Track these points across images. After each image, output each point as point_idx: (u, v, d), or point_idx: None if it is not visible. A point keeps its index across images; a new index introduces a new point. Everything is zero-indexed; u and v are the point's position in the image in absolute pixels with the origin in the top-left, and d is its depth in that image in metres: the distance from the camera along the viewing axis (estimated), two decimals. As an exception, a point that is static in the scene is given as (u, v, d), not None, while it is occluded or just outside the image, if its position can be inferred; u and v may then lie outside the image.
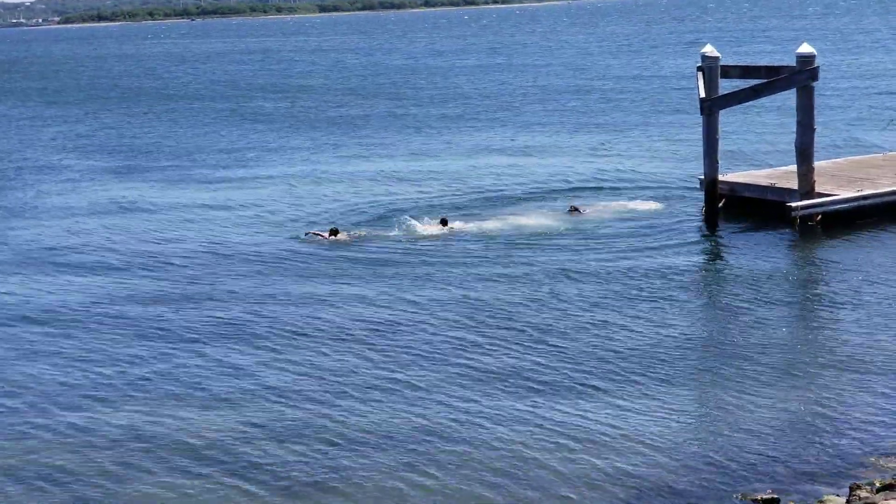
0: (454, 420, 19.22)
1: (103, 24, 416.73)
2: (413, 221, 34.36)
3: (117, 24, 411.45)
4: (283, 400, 20.43)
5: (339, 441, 18.52)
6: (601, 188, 40.06)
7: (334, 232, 33.22)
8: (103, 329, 25.31)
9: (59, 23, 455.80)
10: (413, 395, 20.45)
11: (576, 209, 35.67)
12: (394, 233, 33.59)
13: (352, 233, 33.75)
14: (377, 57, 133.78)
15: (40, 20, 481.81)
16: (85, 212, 39.96)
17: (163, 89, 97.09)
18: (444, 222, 34.13)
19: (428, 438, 18.49)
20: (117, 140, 61.75)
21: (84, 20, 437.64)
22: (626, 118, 61.00)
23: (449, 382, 21.00)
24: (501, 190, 40.59)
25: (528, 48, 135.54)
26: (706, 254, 30.75)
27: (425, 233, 33.50)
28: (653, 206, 36.40)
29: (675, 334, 23.35)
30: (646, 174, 42.67)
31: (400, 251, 31.53)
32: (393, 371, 21.72)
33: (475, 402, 20.02)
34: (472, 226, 34.26)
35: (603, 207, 36.32)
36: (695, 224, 33.74)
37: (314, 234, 33.55)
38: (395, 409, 19.75)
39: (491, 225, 34.36)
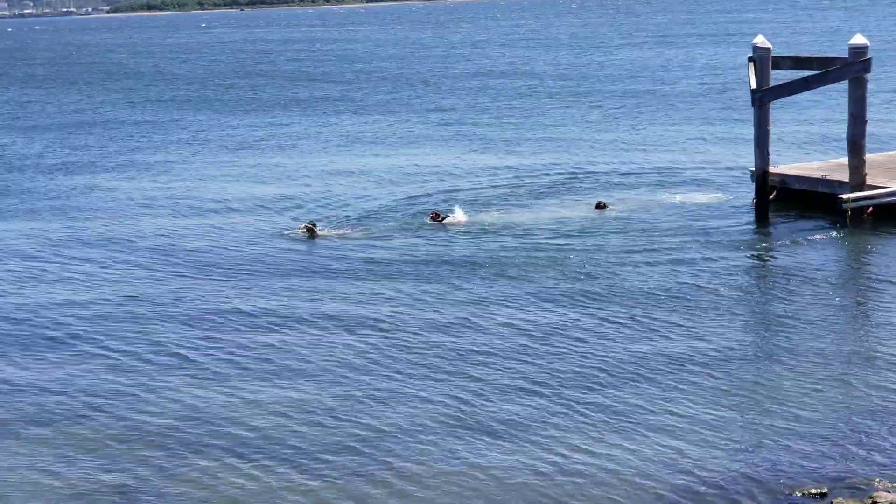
0: (503, 409, 19.25)
1: (152, 13, 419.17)
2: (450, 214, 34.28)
3: (166, 13, 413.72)
4: (323, 386, 20.55)
5: (388, 429, 18.59)
6: (643, 182, 39.78)
7: (311, 230, 32.82)
8: (143, 321, 25.54)
9: (108, 12, 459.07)
10: (457, 391, 20.49)
11: (603, 205, 35.37)
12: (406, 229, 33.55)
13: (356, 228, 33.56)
14: (409, 48, 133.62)
15: (90, 9, 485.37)
16: (107, 201, 40.31)
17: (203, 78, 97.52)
18: (435, 217, 33.92)
19: (473, 433, 18.54)
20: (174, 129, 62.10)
21: (133, 9, 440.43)
22: (671, 110, 60.68)
23: (489, 381, 21.01)
24: (528, 183, 40.46)
25: (563, 40, 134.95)
26: (755, 246, 30.51)
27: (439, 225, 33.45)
28: (700, 198, 36.25)
29: (725, 329, 23.21)
30: (691, 166, 42.46)
31: (421, 247, 31.49)
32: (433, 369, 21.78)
33: (520, 393, 20.02)
34: (491, 220, 34.03)
35: (641, 201, 36.08)
36: (744, 217, 33.52)
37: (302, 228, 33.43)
38: (447, 410, 19.81)
39: (518, 218, 34.24)
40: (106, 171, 47.65)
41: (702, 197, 36.39)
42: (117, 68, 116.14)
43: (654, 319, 23.92)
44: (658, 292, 25.95)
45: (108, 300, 27.13)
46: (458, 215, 34.16)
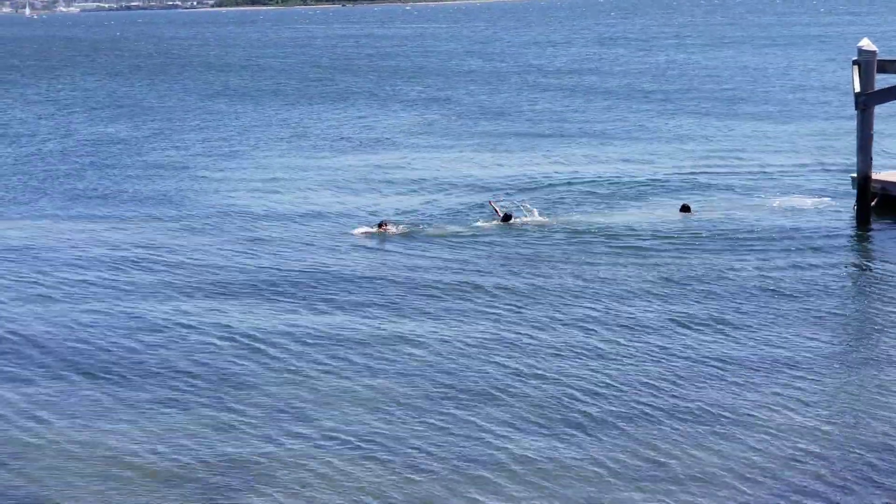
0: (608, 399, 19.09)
1: (256, 8, 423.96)
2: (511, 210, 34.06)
3: (270, 8, 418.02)
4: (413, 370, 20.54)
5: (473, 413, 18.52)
6: (738, 185, 39.17)
7: (382, 225, 32.79)
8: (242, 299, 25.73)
9: (212, 6, 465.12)
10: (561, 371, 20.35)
11: (687, 208, 34.72)
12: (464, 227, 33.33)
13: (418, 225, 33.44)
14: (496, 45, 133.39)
15: (195, 2, 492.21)
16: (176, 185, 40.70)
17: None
18: (506, 218, 33.49)
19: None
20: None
21: (238, 4, 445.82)
22: (769, 112, 59.83)
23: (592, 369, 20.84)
24: (615, 184, 40.08)
25: (657, 37, 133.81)
26: (855, 253, 29.94)
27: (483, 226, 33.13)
28: (798, 202, 35.60)
29: (822, 336, 22.77)
30: (789, 170, 41.77)
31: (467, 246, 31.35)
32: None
33: (612, 391, 19.83)
34: (567, 221, 33.64)
35: (738, 204, 35.51)
36: (844, 222, 32.86)
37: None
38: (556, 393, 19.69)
39: (597, 219, 33.88)
40: (196, 162, 48.18)
41: (800, 201, 35.73)
42: (201, 61, 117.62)
43: (749, 325, 23.50)
44: (753, 296, 25.52)
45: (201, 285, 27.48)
46: (533, 215, 33.87)
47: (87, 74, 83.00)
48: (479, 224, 33.48)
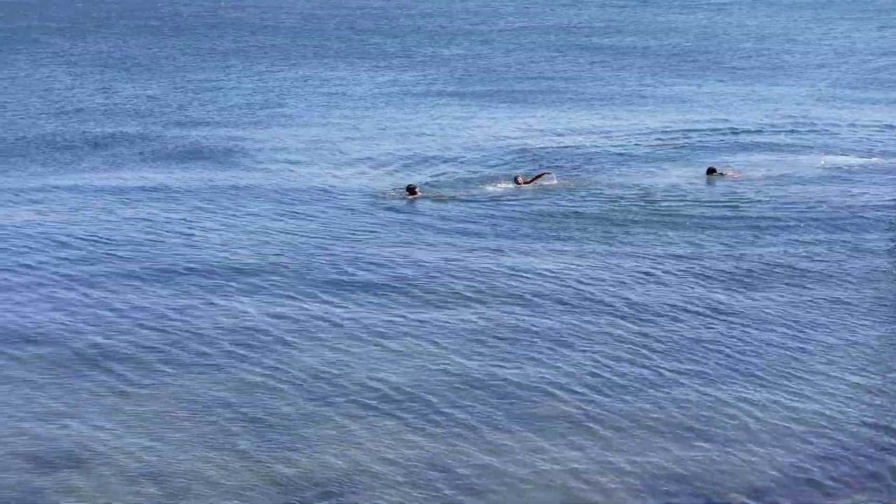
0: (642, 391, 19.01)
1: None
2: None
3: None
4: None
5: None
6: (784, 143, 38.69)
7: (411, 190, 32.70)
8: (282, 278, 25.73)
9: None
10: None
11: (713, 170, 34.21)
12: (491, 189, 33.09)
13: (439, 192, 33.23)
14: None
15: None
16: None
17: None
18: (515, 180, 33.38)
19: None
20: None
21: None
22: (820, 70, 59.16)
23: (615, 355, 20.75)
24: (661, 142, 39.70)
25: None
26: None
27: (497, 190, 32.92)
28: (848, 161, 35.07)
29: (865, 315, 22.45)
30: (842, 128, 41.18)
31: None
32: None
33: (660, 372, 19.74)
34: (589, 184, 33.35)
35: (785, 162, 35.11)
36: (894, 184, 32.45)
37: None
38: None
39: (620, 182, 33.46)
40: (237, 123, 48.18)
41: (850, 160, 35.18)
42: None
43: (791, 301, 23.17)
44: (794, 269, 25.10)
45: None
46: (550, 179, 33.57)
47: (126, 36, 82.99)
48: (503, 187, 33.23)
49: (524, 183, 33.02)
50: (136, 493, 15.76)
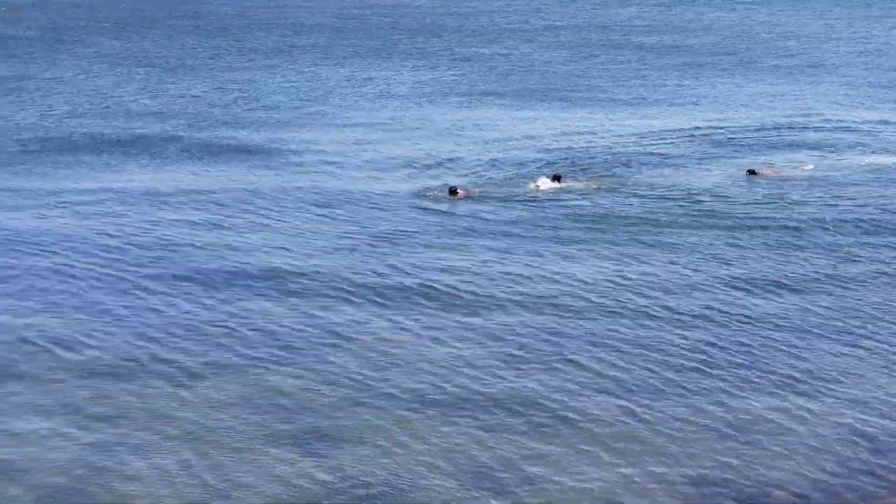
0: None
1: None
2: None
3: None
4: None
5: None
6: (824, 143, 38.46)
7: (453, 191, 32.75)
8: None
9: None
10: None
11: (754, 171, 34.01)
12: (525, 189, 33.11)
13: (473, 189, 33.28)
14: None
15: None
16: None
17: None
18: (556, 178, 33.26)
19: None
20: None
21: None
22: (853, 69, 58.75)
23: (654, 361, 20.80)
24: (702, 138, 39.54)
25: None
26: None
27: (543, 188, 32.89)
28: (889, 161, 34.83)
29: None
30: (880, 127, 40.90)
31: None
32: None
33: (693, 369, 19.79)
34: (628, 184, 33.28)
35: (830, 162, 34.89)
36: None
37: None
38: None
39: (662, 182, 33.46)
40: (282, 121, 48.45)
41: (893, 160, 34.99)
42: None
43: (835, 305, 23.15)
44: (837, 272, 25.08)
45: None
46: (574, 180, 33.52)
47: (171, 36, 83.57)
48: (544, 186, 33.24)
49: (559, 182, 33.04)
50: (179, 496, 15.97)
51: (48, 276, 25.51)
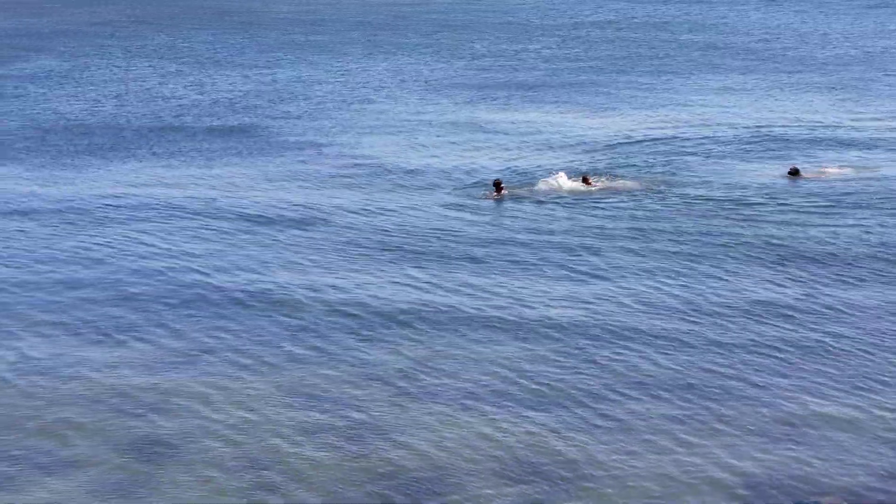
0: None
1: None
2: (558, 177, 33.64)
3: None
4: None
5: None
6: (862, 144, 38.26)
7: (498, 187, 32.68)
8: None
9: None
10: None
11: (797, 171, 33.86)
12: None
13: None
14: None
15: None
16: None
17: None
18: (584, 180, 33.22)
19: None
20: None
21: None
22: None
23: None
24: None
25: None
26: None
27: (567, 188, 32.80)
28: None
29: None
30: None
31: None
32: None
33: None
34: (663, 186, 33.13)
35: (863, 167, 34.66)
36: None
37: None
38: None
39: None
40: (328, 116, 48.70)
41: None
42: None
43: (885, 304, 22.98)
44: (886, 272, 25.03)
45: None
46: (608, 180, 33.52)
47: (219, 32, 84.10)
48: (585, 185, 33.13)
49: (592, 184, 33.02)
50: (230, 485, 16.28)
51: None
